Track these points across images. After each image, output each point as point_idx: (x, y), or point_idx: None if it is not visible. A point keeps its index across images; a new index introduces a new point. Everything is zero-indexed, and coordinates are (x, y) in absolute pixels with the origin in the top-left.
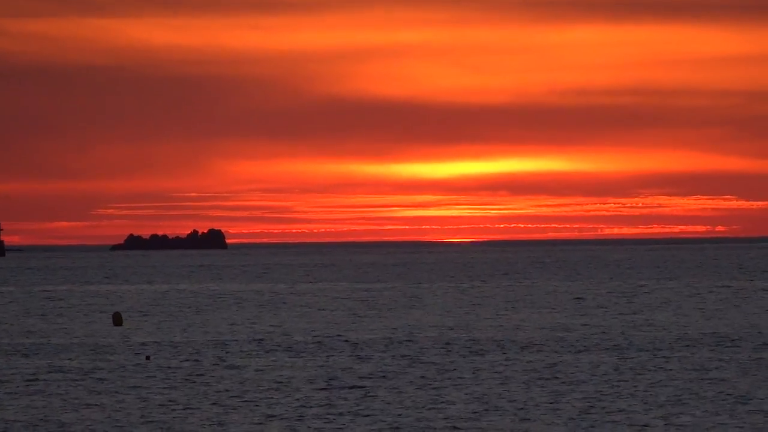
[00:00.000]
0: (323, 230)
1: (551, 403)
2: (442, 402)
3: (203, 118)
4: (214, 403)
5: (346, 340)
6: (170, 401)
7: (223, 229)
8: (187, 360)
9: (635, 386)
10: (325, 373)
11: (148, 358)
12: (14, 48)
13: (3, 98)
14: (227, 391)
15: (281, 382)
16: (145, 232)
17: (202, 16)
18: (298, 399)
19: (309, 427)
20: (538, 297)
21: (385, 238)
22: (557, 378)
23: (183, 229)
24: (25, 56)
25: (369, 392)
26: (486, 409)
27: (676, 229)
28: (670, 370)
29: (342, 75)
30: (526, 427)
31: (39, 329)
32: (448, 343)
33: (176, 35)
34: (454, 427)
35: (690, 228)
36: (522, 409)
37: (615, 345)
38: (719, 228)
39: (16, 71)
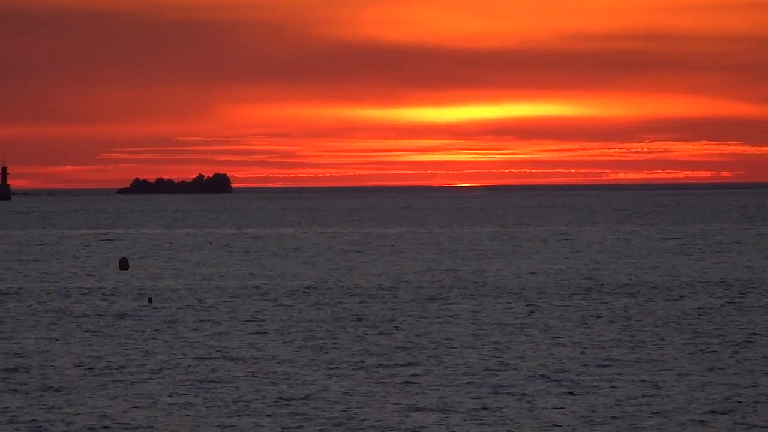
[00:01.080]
0: (328, 174)
1: (534, 344)
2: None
3: (209, 62)
4: (211, 347)
5: (342, 286)
6: (170, 343)
7: (228, 174)
8: (188, 304)
9: (621, 329)
10: (319, 317)
11: (150, 300)
12: None
13: (10, 42)
14: (224, 334)
15: (274, 326)
16: (151, 176)
17: None
18: (289, 342)
19: (302, 369)
20: (535, 243)
21: (391, 183)
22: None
23: (189, 173)
24: (32, 0)
25: (357, 336)
26: (471, 350)
27: (681, 175)
28: (660, 313)
29: (347, 19)
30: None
31: (45, 272)
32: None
33: None
34: (444, 356)
35: (695, 173)
36: (507, 350)
37: (614, 289)
38: (724, 173)
39: (23, 15)
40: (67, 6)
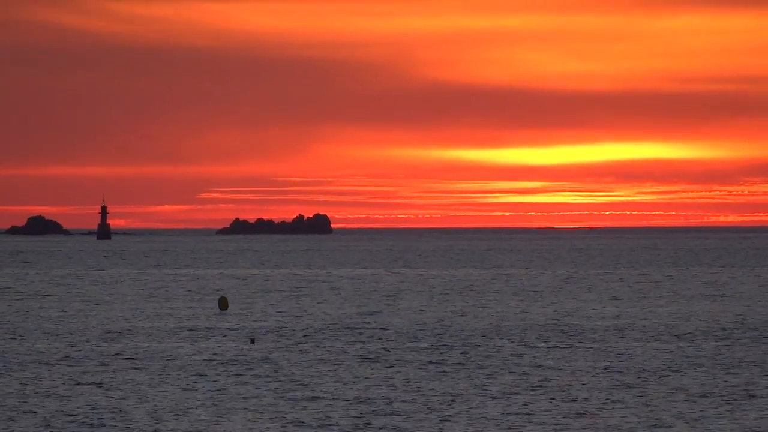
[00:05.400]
0: (428, 216)
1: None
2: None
3: (308, 102)
4: (314, 387)
5: (459, 328)
6: (273, 385)
7: (328, 214)
8: (292, 345)
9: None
10: (431, 355)
11: (252, 341)
12: (122, 30)
13: (110, 81)
14: (324, 374)
15: (385, 368)
16: (251, 217)
17: (308, 0)
18: (404, 380)
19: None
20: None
21: (491, 225)
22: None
23: (288, 214)
24: (132, 39)
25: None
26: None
27: None
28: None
29: (447, 60)
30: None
31: (145, 312)
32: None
33: (282, 19)
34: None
35: None
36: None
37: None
38: None
39: (124, 54)
40: (166, 45)
